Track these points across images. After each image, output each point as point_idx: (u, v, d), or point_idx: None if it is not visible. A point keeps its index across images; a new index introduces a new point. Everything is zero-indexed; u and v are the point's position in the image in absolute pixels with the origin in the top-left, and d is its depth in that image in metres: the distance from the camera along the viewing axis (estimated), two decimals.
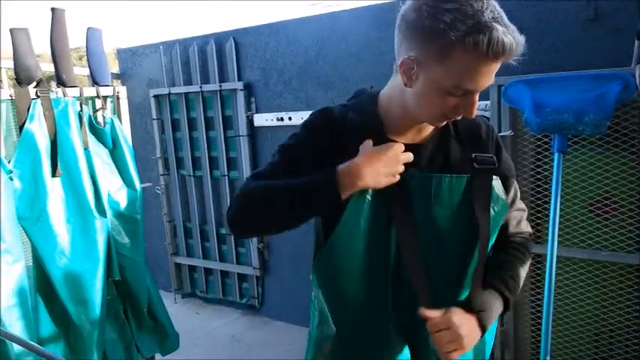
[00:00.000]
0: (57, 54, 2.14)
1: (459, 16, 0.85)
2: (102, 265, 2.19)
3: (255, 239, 3.36)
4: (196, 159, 3.55)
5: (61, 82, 2.18)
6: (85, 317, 2.13)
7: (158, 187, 3.66)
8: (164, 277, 3.85)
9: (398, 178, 0.97)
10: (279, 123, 3.11)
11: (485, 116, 2.26)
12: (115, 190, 2.31)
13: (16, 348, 1.83)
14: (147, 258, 2.44)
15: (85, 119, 2.21)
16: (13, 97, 1.98)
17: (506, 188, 1.09)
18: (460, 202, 1.03)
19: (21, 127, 1.97)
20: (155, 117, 3.64)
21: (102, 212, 2.22)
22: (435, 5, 0.87)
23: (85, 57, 2.36)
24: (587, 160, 2.10)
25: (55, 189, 2.06)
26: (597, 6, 2.12)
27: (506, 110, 2.22)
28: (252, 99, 3.24)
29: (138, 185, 2.39)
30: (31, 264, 2.03)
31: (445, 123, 1.04)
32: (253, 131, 3.27)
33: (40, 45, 2.35)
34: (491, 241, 1.07)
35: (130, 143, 2.41)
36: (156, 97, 3.61)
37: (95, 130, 2.27)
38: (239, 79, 3.25)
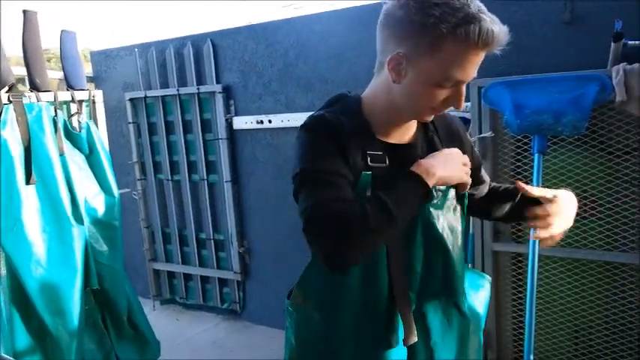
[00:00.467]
0: (30, 57, 2.08)
1: (447, 10, 0.88)
2: (79, 273, 2.13)
3: (235, 243, 3.32)
4: (174, 163, 3.50)
5: (35, 87, 2.11)
6: (63, 328, 2.07)
7: (135, 192, 3.59)
8: (142, 283, 3.78)
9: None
10: (259, 126, 3.08)
11: (465, 117, 2.28)
12: (92, 197, 2.26)
13: None
14: (125, 265, 2.39)
15: (60, 124, 2.15)
16: None
17: (480, 175, 1.22)
18: (448, 198, 1.07)
19: None
20: (131, 120, 3.57)
21: (79, 219, 2.16)
22: (422, 1, 0.90)
23: (55, 59, 2.30)
24: (566, 161, 2.13)
25: (29, 197, 2.00)
26: (573, 9, 2.16)
27: (487, 112, 2.24)
28: (232, 102, 3.20)
29: (116, 191, 2.34)
30: (5, 274, 1.97)
31: (428, 120, 1.07)
32: (233, 134, 3.23)
33: (10, 48, 2.28)
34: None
35: (107, 148, 2.36)
36: (132, 100, 3.54)
37: (71, 135, 2.21)
38: (217, 82, 3.21)
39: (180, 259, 3.61)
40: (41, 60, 2.12)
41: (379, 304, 1.01)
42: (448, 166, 0.99)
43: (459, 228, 1.08)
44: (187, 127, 3.38)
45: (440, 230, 1.04)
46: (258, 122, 3.08)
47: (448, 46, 0.89)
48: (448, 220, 1.05)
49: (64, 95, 2.25)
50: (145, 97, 3.46)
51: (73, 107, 2.28)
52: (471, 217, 2.25)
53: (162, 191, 3.60)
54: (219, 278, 3.50)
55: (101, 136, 2.35)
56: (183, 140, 3.38)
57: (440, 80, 0.93)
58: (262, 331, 3.30)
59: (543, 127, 1.98)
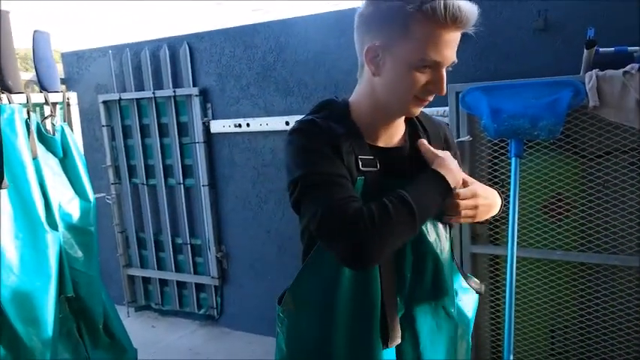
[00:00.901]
0: (2, 58, 2.02)
1: None
2: (54, 281, 2.07)
3: (213, 248, 3.29)
4: (150, 167, 3.44)
5: (6, 88, 2.06)
6: (37, 337, 2.01)
7: (109, 197, 3.52)
8: (116, 290, 3.69)
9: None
10: (237, 129, 3.06)
11: (444, 122, 2.31)
12: (67, 202, 2.20)
13: None
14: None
15: (33, 127, 2.10)
16: None
17: None
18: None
19: None
20: (105, 124, 3.49)
21: (53, 225, 2.10)
22: None
23: (20, 60, 2.24)
24: (541, 164, 2.18)
25: (1, 202, 1.93)
26: (547, 17, 2.22)
27: (464, 116, 2.28)
28: (209, 105, 3.17)
29: (91, 196, 2.28)
30: None
31: (414, 121, 1.09)
32: (210, 138, 3.20)
33: None
34: None
35: (82, 152, 2.30)
36: (105, 102, 3.47)
37: (44, 138, 2.15)
38: (194, 85, 3.17)
39: (155, 265, 3.55)
40: (13, 61, 2.06)
41: (372, 307, 1.01)
42: (453, 166, 1.01)
43: (445, 232, 1.09)
44: (163, 131, 3.32)
45: (426, 234, 1.04)
46: (236, 126, 3.06)
47: (417, 26, 0.92)
48: (435, 225, 1.06)
49: (37, 97, 2.18)
50: (120, 99, 3.40)
51: (47, 110, 2.22)
52: None
53: (137, 195, 3.53)
54: (196, 284, 3.45)
55: (76, 139, 2.29)
56: (159, 144, 3.33)
57: (416, 63, 0.94)
58: (241, 337, 3.27)
59: (520, 132, 2.03)
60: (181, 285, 3.52)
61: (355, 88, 1.08)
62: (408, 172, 1.04)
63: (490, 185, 1.18)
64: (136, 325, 3.47)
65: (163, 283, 3.59)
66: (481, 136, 2.27)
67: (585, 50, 2.02)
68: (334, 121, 1.02)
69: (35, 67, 2.21)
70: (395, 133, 1.08)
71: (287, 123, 2.88)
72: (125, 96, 3.37)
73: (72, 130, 2.30)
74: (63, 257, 2.13)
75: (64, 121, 2.29)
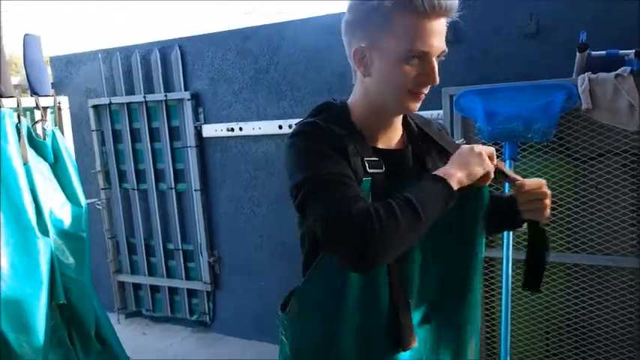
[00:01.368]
0: None
1: None
2: (45, 288, 2.04)
3: (205, 253, 3.26)
4: (140, 172, 3.40)
5: None
6: (27, 345, 1.97)
7: (98, 202, 3.47)
8: (106, 296, 3.64)
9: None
10: (230, 133, 3.04)
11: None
12: (58, 207, 2.17)
13: None
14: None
15: (24, 132, 2.07)
16: None
17: None
18: None
19: None
20: (94, 128, 3.45)
21: (44, 231, 2.07)
22: None
23: (12, 64, 2.21)
24: (535, 167, 2.20)
25: None
26: (539, 21, 2.24)
27: (459, 119, 2.29)
28: (201, 109, 3.15)
29: (83, 201, 2.25)
30: None
31: (408, 121, 1.09)
32: (202, 142, 3.18)
33: None
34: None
35: (74, 156, 2.27)
36: (95, 107, 3.43)
37: (35, 143, 2.12)
38: (186, 89, 3.15)
39: (146, 271, 3.51)
40: (4, 65, 2.03)
41: (380, 312, 0.99)
42: (463, 164, 0.95)
43: (453, 233, 1.05)
44: (154, 135, 3.30)
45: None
46: (228, 130, 3.04)
47: (398, 18, 0.93)
48: (445, 225, 1.04)
49: (28, 101, 2.15)
50: (110, 103, 3.36)
51: (37, 114, 2.19)
52: None
53: (128, 201, 3.50)
54: (187, 289, 3.41)
55: (67, 144, 2.26)
56: (149, 148, 3.30)
57: (403, 54, 0.94)
58: (234, 343, 3.24)
59: (514, 134, 2.04)
60: (173, 291, 3.48)
61: (352, 93, 1.08)
62: (411, 175, 1.03)
63: None
64: (127, 332, 3.42)
65: (154, 289, 3.55)
66: (475, 138, 2.28)
67: (578, 53, 2.04)
68: (335, 123, 1.01)
69: (26, 70, 2.18)
70: (393, 136, 1.08)
71: (280, 127, 2.88)
72: (115, 100, 3.34)
73: (63, 134, 2.27)
74: (54, 263, 2.10)
75: (55, 126, 2.26)
